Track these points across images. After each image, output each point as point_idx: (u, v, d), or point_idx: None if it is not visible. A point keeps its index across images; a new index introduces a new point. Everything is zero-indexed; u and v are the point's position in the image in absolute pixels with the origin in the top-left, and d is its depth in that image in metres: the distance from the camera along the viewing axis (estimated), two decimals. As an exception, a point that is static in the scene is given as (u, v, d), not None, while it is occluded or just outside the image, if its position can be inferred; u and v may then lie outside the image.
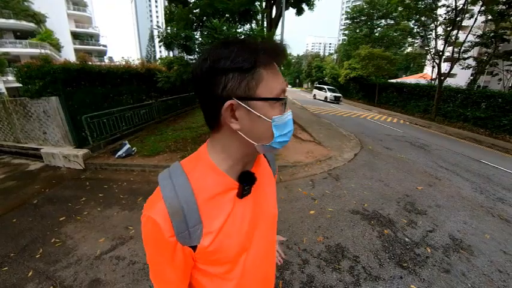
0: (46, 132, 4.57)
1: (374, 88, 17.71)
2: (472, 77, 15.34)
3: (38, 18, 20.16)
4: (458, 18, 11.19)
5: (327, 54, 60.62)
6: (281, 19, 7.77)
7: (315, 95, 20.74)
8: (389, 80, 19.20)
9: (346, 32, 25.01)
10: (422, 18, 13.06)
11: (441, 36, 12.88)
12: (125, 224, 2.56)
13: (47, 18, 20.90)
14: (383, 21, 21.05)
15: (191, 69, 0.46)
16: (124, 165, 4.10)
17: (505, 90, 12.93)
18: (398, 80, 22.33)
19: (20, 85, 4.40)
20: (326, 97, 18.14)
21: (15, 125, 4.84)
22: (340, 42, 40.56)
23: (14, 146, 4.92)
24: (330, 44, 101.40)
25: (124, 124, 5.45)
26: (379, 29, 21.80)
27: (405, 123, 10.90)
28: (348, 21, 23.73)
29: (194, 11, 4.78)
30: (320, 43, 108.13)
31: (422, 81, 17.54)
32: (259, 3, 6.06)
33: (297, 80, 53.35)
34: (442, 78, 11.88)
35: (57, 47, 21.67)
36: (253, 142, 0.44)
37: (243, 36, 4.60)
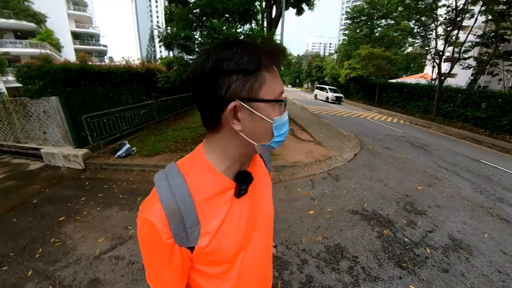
0: (46, 132, 4.58)
1: (374, 88, 17.70)
2: (472, 77, 15.30)
3: (38, 18, 20.17)
4: (458, 18, 11.17)
5: (327, 54, 60.61)
6: (281, 19, 7.78)
7: (316, 95, 20.60)
8: (389, 80, 19.20)
9: (346, 32, 25.01)
10: (423, 18, 13.05)
11: (441, 36, 12.86)
12: (124, 224, 2.57)
13: (47, 18, 20.91)
14: (383, 21, 21.05)
15: (190, 69, 0.45)
16: (124, 165, 4.10)
17: (505, 90, 12.91)
18: (399, 80, 22.33)
19: (20, 85, 4.40)
20: (327, 97, 17.99)
21: (15, 124, 4.85)
22: (341, 42, 40.54)
23: (14, 146, 4.93)
24: (330, 44, 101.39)
25: (124, 124, 5.46)
26: (379, 29, 21.79)
27: (405, 123, 10.90)
28: (348, 21, 23.73)
29: (194, 11, 4.78)
30: (320, 43, 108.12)
31: (423, 81, 17.53)
32: (259, 3, 6.05)
33: (297, 80, 53.35)
34: (443, 78, 11.87)
35: (58, 47, 21.68)
36: (253, 142, 0.44)
37: (242, 37, 4.61)
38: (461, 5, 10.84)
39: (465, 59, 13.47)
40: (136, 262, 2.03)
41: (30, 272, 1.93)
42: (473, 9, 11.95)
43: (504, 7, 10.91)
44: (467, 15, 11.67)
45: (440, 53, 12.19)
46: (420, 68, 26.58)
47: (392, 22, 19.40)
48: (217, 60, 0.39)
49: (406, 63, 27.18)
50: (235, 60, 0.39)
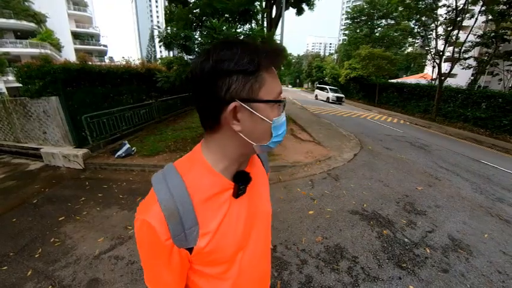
0: (46, 132, 4.58)
1: (374, 88, 17.69)
2: (472, 77, 15.30)
3: (39, 18, 20.18)
4: (458, 18, 11.17)
5: (327, 54, 60.62)
6: (281, 19, 7.77)
7: (316, 95, 20.45)
8: (389, 80, 19.20)
9: (347, 32, 25.01)
10: (423, 18, 13.05)
11: (442, 36, 12.86)
12: (124, 223, 2.57)
13: (47, 18, 20.92)
14: (383, 21, 21.04)
15: (190, 69, 0.45)
16: (123, 165, 4.10)
17: (506, 91, 12.91)
18: (399, 80, 22.33)
19: (21, 85, 4.40)
20: (328, 97, 17.81)
21: (15, 124, 4.85)
22: (341, 42, 40.53)
23: (14, 146, 4.93)
24: (330, 44, 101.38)
25: (124, 124, 5.46)
26: (379, 29, 21.79)
27: (405, 124, 10.89)
28: (348, 21, 23.74)
29: (194, 11, 4.78)
30: (320, 43, 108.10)
31: (423, 81, 17.53)
32: (258, 3, 6.05)
33: (297, 80, 53.37)
34: (443, 78, 11.87)
35: (58, 47, 21.70)
36: (252, 142, 0.45)
37: (242, 37, 4.61)
38: (462, 5, 10.84)
39: (465, 59, 13.46)
40: (135, 262, 2.03)
41: (29, 272, 1.93)
42: (473, 9, 11.95)
43: (504, 7, 10.90)
44: (467, 15, 11.67)
45: (441, 53, 12.19)
46: (420, 68, 26.57)
47: (393, 22, 19.39)
48: (217, 61, 0.39)
49: (406, 63, 27.16)
50: (235, 60, 0.39)
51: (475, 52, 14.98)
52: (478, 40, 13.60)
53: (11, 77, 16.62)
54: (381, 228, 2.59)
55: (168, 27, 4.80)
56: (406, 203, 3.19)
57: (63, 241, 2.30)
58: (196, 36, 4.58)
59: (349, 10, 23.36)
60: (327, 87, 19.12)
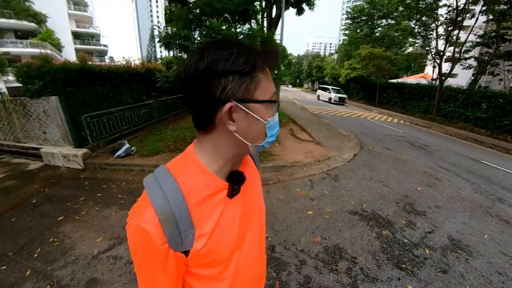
0: (46, 132, 4.58)
1: (374, 88, 17.67)
2: (473, 77, 15.27)
3: (39, 18, 20.20)
4: (459, 18, 11.15)
5: (327, 54, 60.58)
6: (281, 19, 7.76)
7: (319, 95, 20.20)
8: (390, 80, 19.16)
9: (347, 32, 24.96)
10: (423, 18, 13.02)
11: (442, 36, 12.83)
12: (122, 223, 2.56)
13: (47, 18, 20.93)
14: (384, 21, 20.99)
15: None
16: (123, 165, 4.11)
17: (506, 91, 12.88)
18: (399, 80, 22.28)
19: (21, 85, 4.41)
20: (330, 98, 17.55)
21: (15, 124, 4.86)
22: (341, 42, 40.51)
23: (13, 146, 4.94)
24: (331, 44, 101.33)
25: (124, 124, 5.46)
26: (379, 29, 21.74)
27: (405, 124, 10.88)
28: (348, 21, 23.70)
29: (193, 10, 4.78)
30: (321, 43, 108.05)
31: (423, 82, 17.49)
32: (258, 2, 6.05)
33: (298, 80, 53.36)
34: (443, 78, 11.85)
35: (58, 46, 21.72)
36: (247, 143, 0.44)
37: (242, 36, 4.60)
38: (462, 5, 10.81)
39: (466, 59, 13.43)
40: (134, 262, 2.03)
41: (28, 272, 1.93)
42: (474, 9, 11.92)
43: (505, 7, 10.87)
44: (468, 15, 11.65)
45: (441, 53, 12.16)
46: (421, 68, 26.53)
47: (393, 22, 19.36)
48: (212, 61, 0.39)
49: (407, 63, 27.11)
50: (231, 61, 0.39)
51: (475, 52, 14.94)
52: (478, 40, 13.56)
53: (11, 77, 16.65)
54: (380, 228, 2.59)
55: (168, 27, 4.79)
56: (405, 204, 3.18)
57: (62, 241, 2.30)
58: (195, 36, 4.58)
59: (349, 10, 23.33)
60: (329, 87, 18.87)
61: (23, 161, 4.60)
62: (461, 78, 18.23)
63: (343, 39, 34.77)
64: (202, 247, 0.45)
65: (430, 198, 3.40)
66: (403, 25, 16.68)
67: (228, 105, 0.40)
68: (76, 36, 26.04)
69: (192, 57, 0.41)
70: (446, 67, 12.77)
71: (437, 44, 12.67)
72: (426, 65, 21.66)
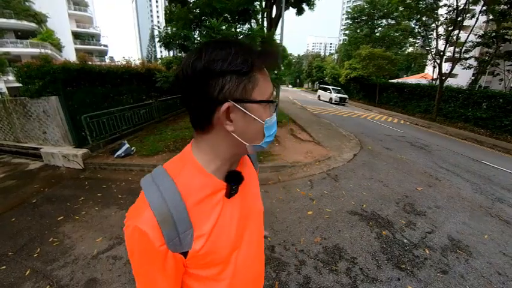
0: (46, 132, 4.58)
1: (375, 88, 17.66)
2: (473, 77, 15.26)
3: (39, 18, 20.21)
4: (459, 18, 11.14)
5: (327, 54, 60.59)
6: (281, 19, 7.76)
7: (319, 96, 20.08)
8: (390, 80, 19.15)
9: (347, 32, 24.96)
10: (424, 18, 13.01)
11: (442, 36, 12.83)
12: (122, 224, 2.51)
13: (48, 18, 20.94)
14: (384, 21, 20.98)
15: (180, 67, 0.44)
16: (123, 165, 4.11)
17: (506, 91, 12.87)
18: (399, 80, 22.27)
19: (21, 85, 4.41)
20: (331, 98, 17.44)
21: (15, 124, 4.86)
22: (341, 42, 40.51)
23: (13, 146, 4.94)
24: (331, 44, 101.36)
25: (124, 124, 5.46)
26: (379, 29, 21.74)
27: (406, 124, 10.88)
28: (348, 21, 23.69)
29: (193, 10, 4.78)
30: (321, 43, 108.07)
31: (423, 82, 17.49)
32: (258, 2, 6.05)
33: (298, 80, 53.35)
34: (443, 78, 11.84)
35: (58, 46, 21.73)
36: (245, 143, 0.44)
37: (241, 36, 4.60)
38: (462, 5, 10.81)
39: (466, 59, 13.43)
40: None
41: (28, 272, 1.93)
42: (474, 9, 11.92)
43: (505, 7, 10.86)
44: (468, 15, 11.63)
45: (441, 53, 12.16)
46: (421, 68, 26.52)
47: (393, 22, 19.35)
48: (210, 61, 0.38)
49: (407, 63, 27.11)
50: (229, 61, 0.38)
51: (475, 52, 14.95)
52: (478, 40, 13.56)
53: (11, 77, 16.66)
54: (380, 228, 2.59)
55: (168, 27, 4.79)
56: (405, 204, 3.18)
57: (62, 241, 2.30)
58: (195, 36, 4.58)
59: (349, 10, 23.32)
60: (330, 87, 18.76)
61: (23, 161, 4.60)
62: (462, 78, 18.23)
63: (343, 39, 34.78)
64: (201, 248, 0.45)
65: (430, 198, 3.39)
66: (403, 25, 16.68)
67: (225, 105, 0.40)
68: (76, 36, 26.06)
69: (190, 57, 0.40)
70: (446, 67, 12.77)
71: (437, 44, 12.66)
72: (426, 65, 21.65)
